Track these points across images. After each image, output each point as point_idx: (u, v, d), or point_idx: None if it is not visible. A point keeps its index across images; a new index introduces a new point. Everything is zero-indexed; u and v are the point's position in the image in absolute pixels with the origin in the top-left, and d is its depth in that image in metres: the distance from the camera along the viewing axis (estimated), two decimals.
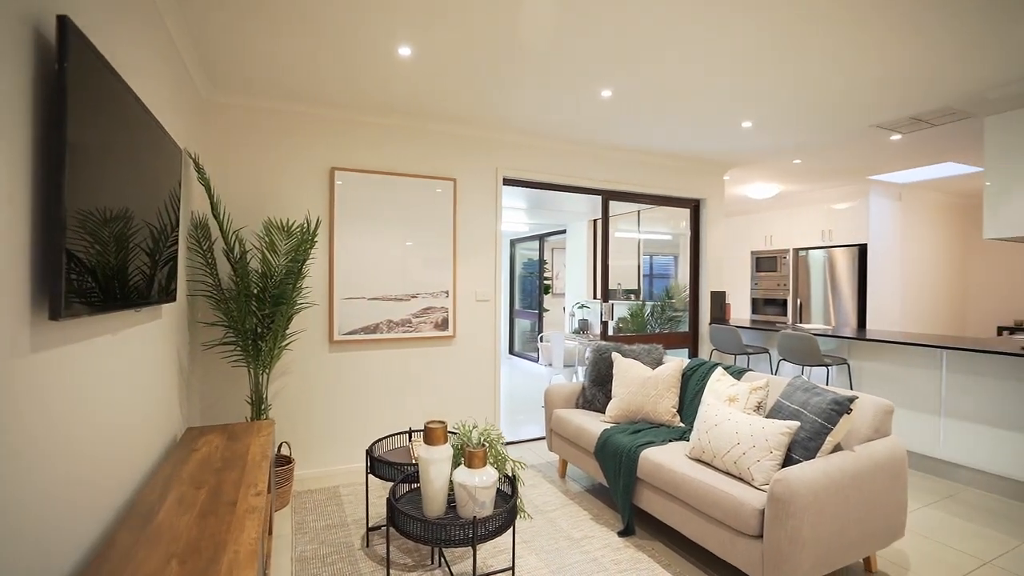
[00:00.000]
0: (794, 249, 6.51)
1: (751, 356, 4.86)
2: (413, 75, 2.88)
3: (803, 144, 4.19)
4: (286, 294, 2.88)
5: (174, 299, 2.18)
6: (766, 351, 4.50)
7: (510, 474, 2.23)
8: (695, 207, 5.06)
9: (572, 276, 7.50)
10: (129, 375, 1.81)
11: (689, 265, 5.11)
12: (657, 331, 5.54)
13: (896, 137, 3.98)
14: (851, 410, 2.05)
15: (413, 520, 1.90)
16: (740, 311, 7.27)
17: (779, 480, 1.88)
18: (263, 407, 2.95)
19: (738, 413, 2.31)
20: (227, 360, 3.17)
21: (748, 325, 4.97)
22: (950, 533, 2.73)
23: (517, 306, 9.42)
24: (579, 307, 6.87)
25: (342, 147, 3.48)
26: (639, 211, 6.16)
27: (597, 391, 3.41)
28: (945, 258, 6.50)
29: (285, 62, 2.72)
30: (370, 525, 2.71)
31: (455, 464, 2.15)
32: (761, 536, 1.95)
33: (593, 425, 3.05)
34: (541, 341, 5.97)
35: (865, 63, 2.69)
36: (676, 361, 3.21)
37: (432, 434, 2.01)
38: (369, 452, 2.54)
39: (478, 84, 3.01)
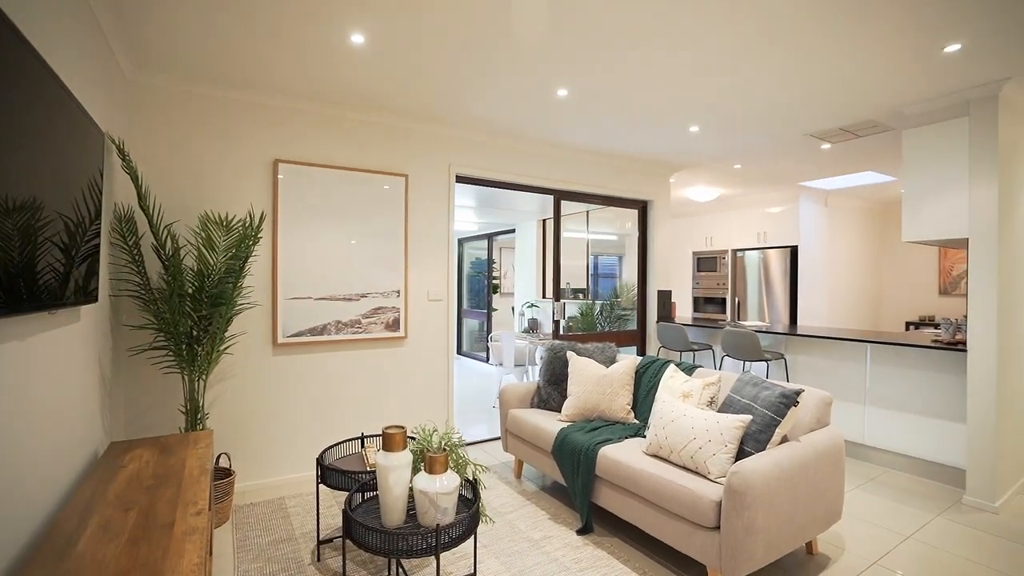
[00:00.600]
0: (732, 250, 6.83)
1: (696, 352, 5.04)
2: (366, 65, 2.76)
3: (744, 150, 4.40)
4: (226, 294, 2.68)
5: (95, 300, 1.96)
6: (710, 347, 4.68)
7: (471, 478, 2.17)
8: (643, 208, 5.19)
9: (521, 275, 7.51)
10: (40, 385, 1.60)
11: (637, 265, 5.23)
12: (606, 330, 5.64)
13: (826, 146, 4.25)
14: (798, 403, 2.15)
15: (372, 531, 1.80)
16: (682, 309, 7.56)
17: (735, 473, 1.94)
18: (199, 416, 2.73)
19: (693, 409, 2.37)
20: (158, 366, 2.90)
21: (691, 323, 5.16)
22: (876, 512, 2.94)
23: (465, 305, 9.34)
24: (529, 306, 6.89)
25: (287, 138, 3.29)
26: (587, 211, 6.26)
27: (552, 390, 3.41)
28: (863, 259, 7.05)
29: (224, 44, 2.52)
30: (321, 538, 2.56)
31: (414, 470, 2.07)
32: (718, 527, 2.01)
33: (550, 424, 3.05)
34: (491, 341, 5.93)
35: (807, 77, 2.83)
36: (629, 359, 3.27)
37: (391, 440, 1.92)
38: (320, 460, 2.40)
39: (433, 78, 2.92)
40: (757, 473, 1.95)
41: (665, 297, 5.18)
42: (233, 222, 2.83)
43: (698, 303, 7.26)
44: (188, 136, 2.99)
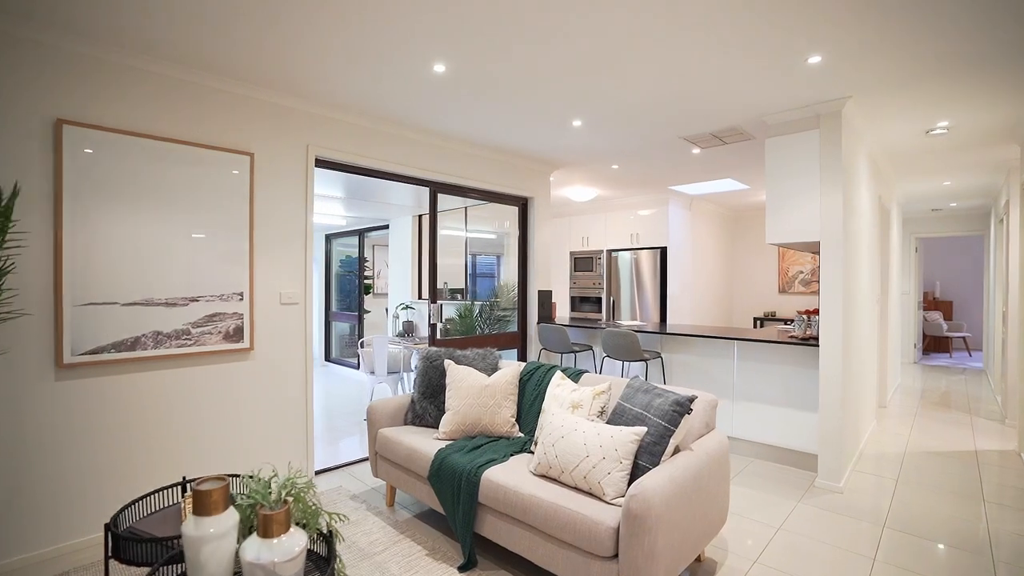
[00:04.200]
0: (607, 250, 7.01)
1: (577, 354, 5.00)
2: (205, 8, 2.14)
3: (623, 150, 4.41)
4: None
5: None
6: (590, 348, 4.65)
7: (325, 530, 1.73)
8: (523, 205, 5.02)
9: (396, 275, 6.98)
10: None
11: (517, 264, 5.05)
12: (486, 332, 5.39)
13: (696, 151, 4.42)
14: (692, 410, 2.04)
15: None
16: (561, 309, 7.61)
17: (635, 496, 1.75)
18: None
19: (584, 422, 2.17)
20: None
21: (569, 323, 5.11)
22: (749, 505, 3.02)
23: (335, 308, 8.51)
24: (403, 308, 6.40)
25: (78, 93, 2.49)
26: (466, 208, 5.96)
27: (428, 404, 3.03)
28: (720, 261, 7.69)
29: None
30: None
31: (244, 531, 1.57)
32: (616, 556, 1.80)
33: (426, 445, 2.67)
34: (361, 346, 5.36)
35: (684, 75, 2.80)
36: (513, 366, 3.01)
37: (205, 499, 1.41)
38: (111, 526, 1.77)
39: (286, 32, 2.38)
40: (656, 493, 1.77)
41: (546, 297, 5.07)
42: None
43: (575, 302, 7.36)
44: None
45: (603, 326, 4.55)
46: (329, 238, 8.47)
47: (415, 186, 4.16)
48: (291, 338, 3.29)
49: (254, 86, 3.04)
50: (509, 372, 2.92)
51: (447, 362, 3.01)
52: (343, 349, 8.40)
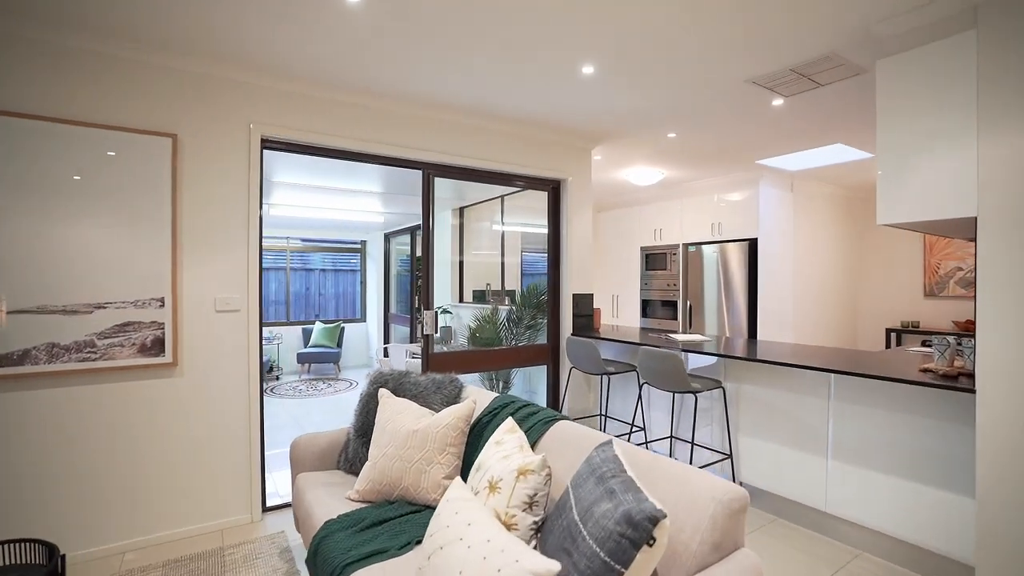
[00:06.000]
0: (684, 244, 5.77)
1: (613, 376, 3.95)
2: None
3: (672, 108, 3.30)
4: None
5: None
6: (633, 369, 3.58)
7: None
8: (555, 189, 4.09)
9: (437, 275, 6.39)
10: None
11: (548, 262, 4.13)
12: (512, 343, 4.53)
13: (779, 101, 3.17)
14: (653, 540, 1.04)
15: None
16: (630, 316, 6.47)
17: None
18: None
19: (483, 526, 1.26)
20: None
21: (627, 338, 4.05)
22: None
23: (393, 309, 8.19)
24: (442, 311, 5.77)
25: None
26: (503, 197, 5.14)
27: (360, 445, 2.29)
28: (835, 255, 6.01)
29: None
30: None
31: None
32: None
33: (325, 508, 1.93)
34: (378, 355, 4.81)
35: None
36: (465, 404, 2.14)
37: None
38: None
39: None
40: None
41: (585, 303, 4.09)
42: None
43: (650, 307, 6.17)
44: None
45: (645, 342, 3.46)
46: (388, 237, 8.16)
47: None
48: (229, 352, 2.75)
49: (173, 54, 2.52)
50: (453, 412, 2.06)
51: (381, 392, 2.25)
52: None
